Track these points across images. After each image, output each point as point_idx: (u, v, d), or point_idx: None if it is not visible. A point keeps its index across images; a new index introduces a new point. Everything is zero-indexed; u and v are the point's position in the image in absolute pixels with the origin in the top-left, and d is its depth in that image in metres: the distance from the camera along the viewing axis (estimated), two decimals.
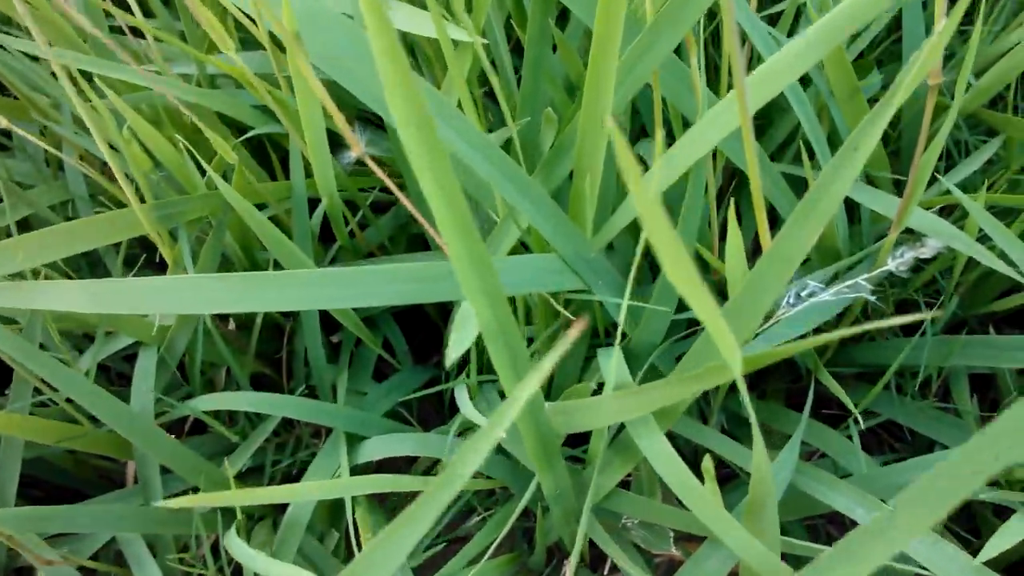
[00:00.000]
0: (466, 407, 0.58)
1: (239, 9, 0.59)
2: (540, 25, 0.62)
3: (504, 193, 0.57)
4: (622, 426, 0.57)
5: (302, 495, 0.54)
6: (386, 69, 0.37)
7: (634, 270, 0.48)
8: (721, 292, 0.63)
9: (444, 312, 0.79)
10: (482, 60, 0.58)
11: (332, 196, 0.64)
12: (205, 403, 0.64)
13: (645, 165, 0.73)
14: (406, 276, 0.52)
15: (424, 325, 0.81)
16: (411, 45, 0.71)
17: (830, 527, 0.76)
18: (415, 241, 0.76)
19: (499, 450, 0.64)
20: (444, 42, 0.56)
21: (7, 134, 0.84)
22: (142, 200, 0.64)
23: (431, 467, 0.71)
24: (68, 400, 0.65)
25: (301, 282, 0.51)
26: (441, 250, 0.72)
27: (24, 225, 0.78)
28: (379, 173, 0.51)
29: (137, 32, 0.75)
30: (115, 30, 0.74)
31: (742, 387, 0.42)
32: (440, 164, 0.41)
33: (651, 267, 0.71)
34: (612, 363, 0.51)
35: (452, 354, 0.46)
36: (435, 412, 0.79)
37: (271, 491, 0.56)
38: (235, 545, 0.55)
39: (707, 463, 0.49)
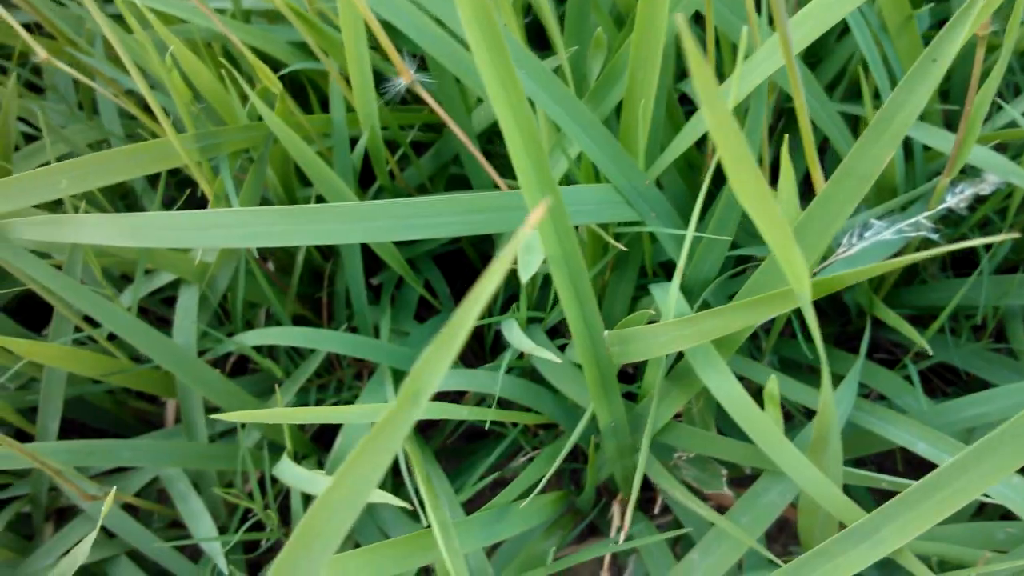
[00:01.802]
0: (518, 337, 0.57)
1: None
2: None
3: (556, 118, 0.55)
4: (677, 359, 0.56)
5: (355, 417, 0.53)
6: None
7: (703, 193, 0.46)
8: None
9: (484, 257, 0.78)
10: None
11: (374, 129, 0.62)
12: (252, 338, 0.63)
13: (691, 104, 0.71)
14: (460, 207, 0.50)
15: (463, 272, 0.80)
16: None
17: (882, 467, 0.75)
18: (454, 181, 0.74)
19: (546, 385, 0.63)
20: None
21: (37, 71, 0.82)
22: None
23: (478, 404, 0.70)
24: (110, 338, 0.64)
25: (354, 214, 0.49)
26: (484, 189, 0.70)
27: None
28: (429, 100, 0.50)
29: None
30: None
31: (810, 314, 0.41)
32: (514, 91, 0.40)
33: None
34: (671, 293, 0.50)
35: (523, 275, 0.45)
36: (474, 355, 0.78)
37: (325, 411, 0.56)
38: (288, 469, 0.55)
39: (771, 386, 0.48)
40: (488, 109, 0.65)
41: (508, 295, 0.73)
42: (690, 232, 0.46)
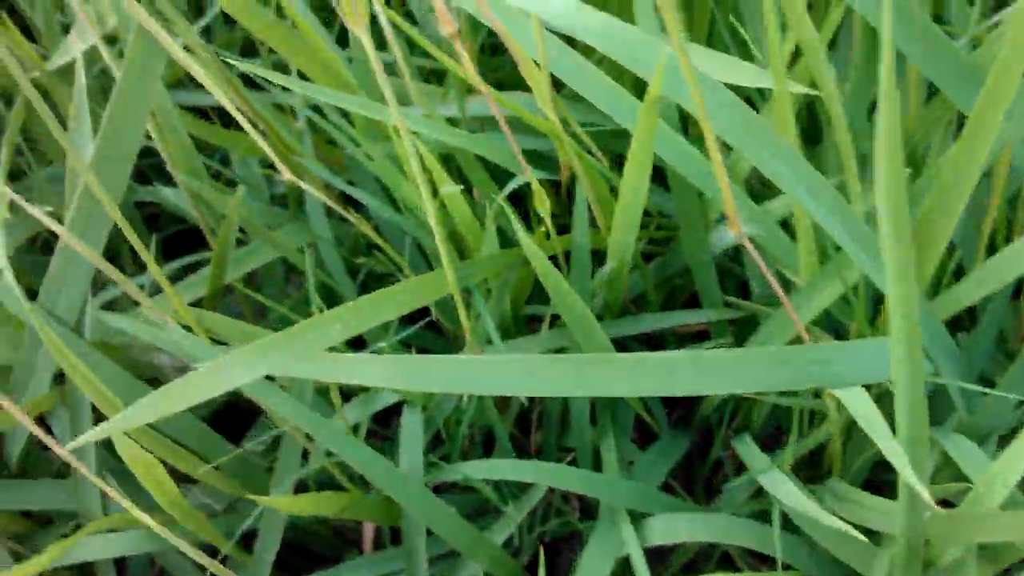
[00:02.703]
0: (792, 497, 0.52)
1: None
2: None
3: (839, 238, 0.50)
4: None
5: None
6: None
7: None
8: None
9: None
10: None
11: (623, 258, 0.59)
12: (477, 469, 0.60)
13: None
14: (763, 362, 0.46)
15: None
16: None
17: None
18: (673, 295, 0.70)
19: (797, 533, 0.58)
20: (781, 95, 0.51)
21: (225, 160, 0.81)
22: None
23: (700, 551, 0.65)
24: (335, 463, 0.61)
25: (650, 367, 0.46)
26: (714, 307, 0.66)
27: (252, 275, 0.75)
28: (755, 254, 0.46)
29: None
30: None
31: None
32: (906, 245, 0.36)
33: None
34: (998, 476, 0.45)
35: (901, 469, 0.40)
36: (684, 478, 0.73)
37: None
38: None
39: None
40: (724, 233, 0.62)
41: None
42: None
